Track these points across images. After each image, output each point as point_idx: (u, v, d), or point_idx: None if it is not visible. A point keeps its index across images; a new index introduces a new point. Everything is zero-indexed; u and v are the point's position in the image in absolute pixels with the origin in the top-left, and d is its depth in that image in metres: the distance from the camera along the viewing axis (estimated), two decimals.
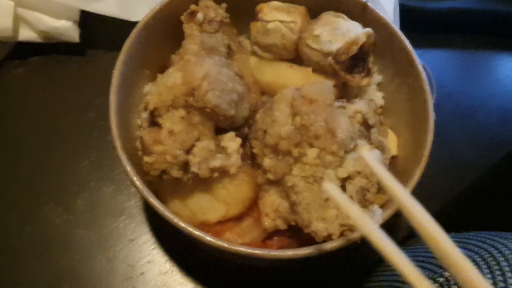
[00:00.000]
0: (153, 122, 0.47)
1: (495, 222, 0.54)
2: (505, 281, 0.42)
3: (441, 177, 0.64)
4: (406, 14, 0.66)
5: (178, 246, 0.57)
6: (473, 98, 0.69)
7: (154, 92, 0.46)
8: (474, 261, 0.47)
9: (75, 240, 0.57)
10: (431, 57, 0.72)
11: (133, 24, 0.60)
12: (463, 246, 0.51)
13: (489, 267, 0.45)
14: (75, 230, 0.57)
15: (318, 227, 0.43)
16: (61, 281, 0.55)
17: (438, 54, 0.73)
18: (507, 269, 0.44)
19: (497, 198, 0.63)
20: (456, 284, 0.46)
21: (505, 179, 0.65)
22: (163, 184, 0.48)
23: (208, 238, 0.41)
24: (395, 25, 0.61)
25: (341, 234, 0.43)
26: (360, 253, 0.56)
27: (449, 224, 0.59)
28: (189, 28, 0.50)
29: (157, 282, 0.55)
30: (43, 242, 0.56)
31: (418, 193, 0.59)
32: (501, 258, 0.45)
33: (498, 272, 0.44)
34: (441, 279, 0.48)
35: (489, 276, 0.44)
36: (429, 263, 0.52)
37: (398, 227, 0.60)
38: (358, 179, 0.44)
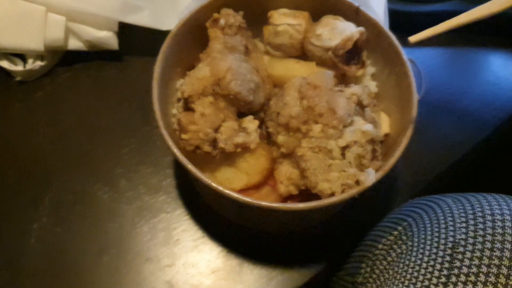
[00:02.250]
0: (187, 108, 0.57)
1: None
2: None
3: (431, 155, 0.72)
4: (394, 17, 0.75)
5: (207, 217, 0.65)
6: (458, 87, 0.78)
7: (188, 83, 0.56)
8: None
9: (120, 214, 0.65)
10: (420, 54, 0.81)
11: (164, 32, 0.71)
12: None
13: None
14: (120, 205, 0.66)
15: (324, 186, 0.52)
16: (109, 248, 0.63)
17: (426, 51, 0.82)
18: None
19: (480, 172, 0.72)
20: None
21: (487, 157, 0.74)
22: (195, 161, 0.57)
23: (235, 195, 0.51)
24: (385, 25, 0.72)
25: (342, 191, 0.52)
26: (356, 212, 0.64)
27: (441, 191, 0.68)
28: (213, 32, 0.60)
29: (190, 247, 0.64)
30: (94, 215, 0.65)
31: (412, 168, 0.69)
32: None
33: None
34: (400, 228, 0.58)
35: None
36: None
37: None
38: (355, 147, 0.53)
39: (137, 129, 0.71)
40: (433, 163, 0.72)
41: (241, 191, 0.58)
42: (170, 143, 0.53)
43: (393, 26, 0.74)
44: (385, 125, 0.62)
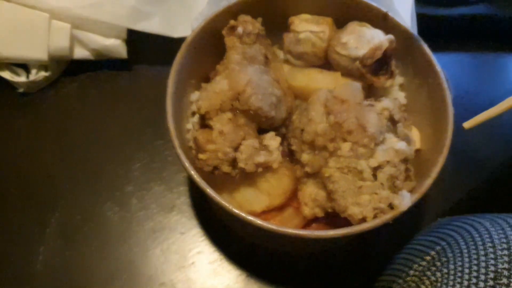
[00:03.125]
0: (204, 124, 0.53)
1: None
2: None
3: (460, 170, 0.68)
4: (420, 21, 0.71)
5: (224, 238, 0.61)
6: (487, 97, 0.73)
7: (204, 98, 0.52)
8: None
9: (132, 235, 0.61)
10: (446, 60, 0.76)
11: (175, 40, 0.67)
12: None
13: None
14: (131, 226, 0.62)
15: (354, 210, 0.48)
16: (121, 273, 0.59)
17: (452, 58, 0.78)
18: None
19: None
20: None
21: None
22: (212, 180, 0.53)
23: (259, 221, 0.47)
24: (414, 31, 0.68)
25: (374, 216, 0.48)
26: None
27: (472, 209, 0.64)
28: (230, 41, 0.56)
29: (207, 270, 0.60)
30: (103, 237, 0.61)
31: (440, 184, 0.65)
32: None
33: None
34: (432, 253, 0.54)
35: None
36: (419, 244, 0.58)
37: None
38: (388, 168, 0.49)
39: (149, 143, 0.67)
40: (462, 179, 0.68)
41: (262, 213, 0.54)
42: (187, 164, 0.49)
43: (419, 30, 0.70)
44: (416, 139, 0.58)
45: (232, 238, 0.61)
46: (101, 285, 0.59)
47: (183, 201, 0.64)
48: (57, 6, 0.64)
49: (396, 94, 0.60)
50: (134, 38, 0.70)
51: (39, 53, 0.65)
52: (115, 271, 0.60)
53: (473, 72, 0.78)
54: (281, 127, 0.56)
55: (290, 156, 0.56)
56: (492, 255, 0.47)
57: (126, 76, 0.72)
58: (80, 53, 0.69)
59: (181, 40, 0.56)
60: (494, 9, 0.75)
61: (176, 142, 0.49)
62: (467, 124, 0.45)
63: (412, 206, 0.48)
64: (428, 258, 0.55)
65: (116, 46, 0.68)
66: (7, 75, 0.67)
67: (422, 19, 0.71)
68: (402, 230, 0.63)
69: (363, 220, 0.48)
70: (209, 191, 0.48)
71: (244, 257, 0.61)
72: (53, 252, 0.60)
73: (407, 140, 0.52)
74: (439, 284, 0.51)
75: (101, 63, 0.72)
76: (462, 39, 0.77)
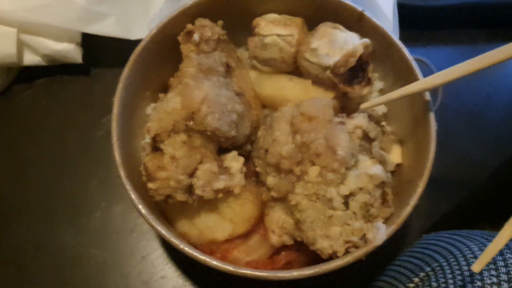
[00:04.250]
0: (156, 147, 0.48)
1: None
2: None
3: (450, 177, 0.63)
4: (408, 12, 0.65)
5: (190, 260, 0.58)
6: (479, 94, 0.68)
7: (154, 118, 0.47)
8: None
9: (89, 260, 0.58)
10: (435, 53, 0.71)
11: (133, 41, 0.62)
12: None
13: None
14: (88, 250, 0.58)
15: (323, 244, 0.44)
16: None
17: (441, 50, 0.71)
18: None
19: (507, 197, 0.62)
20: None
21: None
22: (170, 206, 0.48)
23: (214, 262, 0.42)
24: (394, 31, 0.61)
25: (346, 251, 0.43)
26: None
27: (460, 222, 0.59)
28: (186, 49, 0.50)
29: None
30: (58, 263, 0.58)
31: (429, 192, 0.60)
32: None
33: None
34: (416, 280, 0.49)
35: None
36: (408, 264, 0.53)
37: None
38: (361, 195, 0.44)
39: (107, 157, 0.62)
40: (451, 187, 0.62)
41: (226, 241, 0.50)
42: (133, 196, 0.44)
43: (404, 23, 0.64)
44: (397, 154, 0.53)
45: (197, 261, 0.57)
46: None
47: (144, 221, 0.59)
48: (0, 9, 0.58)
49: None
50: (89, 41, 0.65)
51: None
52: None
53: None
54: (245, 144, 0.51)
55: (256, 176, 0.51)
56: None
57: (83, 82, 0.68)
58: (31, 58, 0.65)
59: (139, 41, 0.51)
60: None
61: (122, 172, 0.45)
62: (477, 268, 0.40)
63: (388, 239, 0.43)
64: (411, 285, 0.50)
65: (70, 50, 0.64)
66: None
67: (408, 11, 0.66)
68: (386, 247, 0.58)
69: (334, 254, 0.44)
70: (159, 228, 0.43)
71: (212, 282, 0.58)
72: (3, 281, 0.57)
73: (383, 161, 0.46)
74: None
75: (56, 69, 0.67)
76: (450, 29, 0.71)
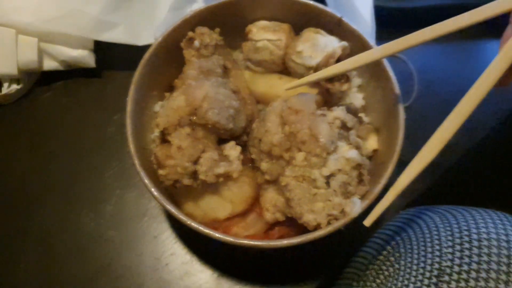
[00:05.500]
0: (164, 139, 0.55)
1: (475, 198, 0.61)
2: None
3: None
4: (385, 14, 0.71)
5: (196, 239, 0.64)
6: (454, 85, 0.74)
7: (162, 114, 0.54)
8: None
9: (107, 240, 0.64)
10: (412, 51, 0.77)
11: (140, 47, 0.68)
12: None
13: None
14: (106, 231, 0.65)
15: (309, 218, 0.50)
16: (99, 276, 0.62)
17: (418, 48, 0.78)
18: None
19: (475, 179, 0.69)
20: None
21: (483, 161, 0.72)
22: (178, 190, 0.56)
23: (217, 234, 0.50)
24: (372, 33, 0.69)
25: (328, 223, 0.51)
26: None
27: (434, 199, 0.66)
28: (188, 54, 0.57)
29: (180, 271, 0.63)
30: (81, 243, 0.64)
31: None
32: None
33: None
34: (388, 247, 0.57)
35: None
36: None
37: None
38: (340, 175, 0.51)
39: (120, 151, 0.69)
40: (426, 168, 0.69)
41: (227, 219, 0.57)
42: (147, 181, 0.51)
43: (382, 23, 0.71)
44: (374, 140, 0.60)
45: (203, 239, 0.63)
46: None
47: (155, 205, 0.66)
48: (22, 22, 0.65)
49: (354, 95, 0.62)
50: (101, 47, 0.71)
51: (9, 68, 0.67)
52: (94, 274, 0.63)
53: (439, 60, 0.79)
54: (242, 135, 0.58)
55: (252, 163, 0.58)
56: (437, 253, 0.50)
57: (96, 84, 0.74)
58: (50, 64, 0.71)
59: (147, 47, 0.57)
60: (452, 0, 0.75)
61: (136, 161, 0.52)
62: (367, 223, 0.47)
63: (363, 211, 0.50)
64: (385, 252, 0.58)
65: (84, 56, 0.70)
66: None
67: (385, 13, 0.72)
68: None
69: (318, 226, 0.50)
70: (168, 207, 0.50)
71: (216, 257, 0.64)
72: (33, 260, 0.63)
73: (359, 147, 0.54)
74: (391, 279, 0.54)
75: (72, 73, 0.73)
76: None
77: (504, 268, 0.46)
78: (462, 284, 0.46)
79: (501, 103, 0.74)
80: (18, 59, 0.67)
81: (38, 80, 0.74)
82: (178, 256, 0.64)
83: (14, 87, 0.70)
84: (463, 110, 0.44)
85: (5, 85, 0.69)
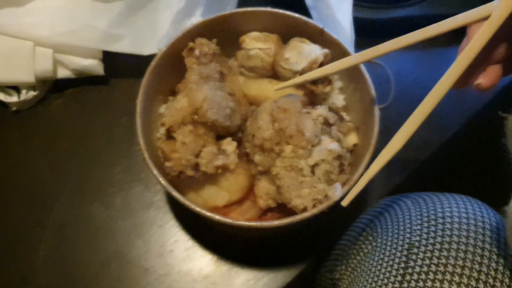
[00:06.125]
0: (169, 136, 0.62)
1: (445, 187, 0.69)
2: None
3: (401, 156, 0.78)
4: (363, 24, 0.78)
5: (197, 228, 0.71)
6: (426, 88, 0.80)
7: (168, 114, 0.61)
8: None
9: (117, 230, 0.71)
10: (390, 56, 0.85)
11: (145, 56, 0.74)
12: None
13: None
14: (116, 222, 0.71)
15: (297, 202, 0.56)
16: (110, 261, 0.69)
17: (395, 53, 0.86)
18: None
19: (446, 171, 0.77)
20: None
21: (453, 155, 0.79)
22: (181, 181, 0.61)
23: (217, 217, 0.56)
24: (351, 41, 0.76)
25: (313, 206, 0.56)
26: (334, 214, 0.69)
27: (410, 190, 0.73)
28: (189, 62, 0.63)
29: (183, 256, 0.70)
30: (93, 233, 0.71)
31: (384, 169, 0.75)
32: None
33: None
34: (368, 229, 0.63)
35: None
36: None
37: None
38: (323, 165, 0.57)
39: (127, 149, 0.76)
40: (402, 163, 0.77)
41: (224, 207, 0.63)
42: (155, 172, 0.58)
43: (361, 32, 0.79)
44: (354, 135, 0.67)
45: (203, 228, 0.71)
46: (94, 273, 0.69)
47: (160, 198, 0.73)
48: (40, 35, 0.72)
49: (336, 96, 0.69)
50: (109, 57, 0.78)
51: (27, 76, 0.74)
52: (105, 260, 0.70)
53: (414, 66, 0.87)
54: (237, 132, 0.65)
55: (246, 157, 0.65)
56: (408, 230, 0.58)
57: (105, 91, 0.81)
58: (63, 73, 0.77)
59: (150, 56, 0.65)
60: (427, 10, 0.82)
61: (146, 154, 0.59)
62: (345, 203, 0.55)
63: (343, 195, 0.57)
64: (364, 233, 0.65)
65: (94, 65, 0.77)
66: (1, 96, 0.76)
67: (362, 23, 0.80)
68: (352, 211, 0.73)
69: (305, 209, 0.56)
70: (175, 193, 0.57)
71: (215, 243, 0.71)
72: (51, 248, 0.70)
73: (339, 140, 0.61)
74: (369, 255, 0.61)
75: (82, 80, 0.80)
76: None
77: (463, 240, 0.53)
78: (428, 254, 0.53)
79: (469, 102, 0.82)
80: (35, 69, 0.74)
81: (51, 88, 0.81)
82: (181, 243, 0.71)
83: (31, 93, 0.77)
84: (425, 108, 0.50)
85: (23, 91, 0.76)
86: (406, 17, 0.83)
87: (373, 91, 0.63)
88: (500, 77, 0.48)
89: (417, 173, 0.77)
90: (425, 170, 0.78)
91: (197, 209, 0.57)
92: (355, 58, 0.58)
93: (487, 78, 0.47)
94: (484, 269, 0.50)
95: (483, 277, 0.50)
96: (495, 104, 0.84)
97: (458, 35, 0.52)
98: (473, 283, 0.49)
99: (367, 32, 0.79)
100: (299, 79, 0.62)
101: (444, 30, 0.50)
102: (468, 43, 0.45)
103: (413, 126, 0.51)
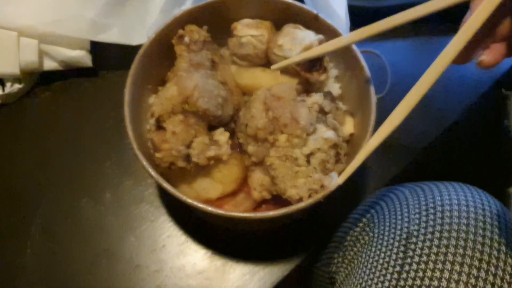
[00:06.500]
0: (159, 126, 0.60)
1: (443, 176, 0.67)
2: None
3: (398, 146, 0.76)
4: (358, 12, 0.77)
5: (190, 222, 0.69)
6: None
7: (157, 103, 0.59)
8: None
9: (107, 225, 0.69)
10: (387, 46, 0.84)
11: (134, 47, 0.73)
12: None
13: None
14: (106, 217, 0.69)
15: (292, 193, 0.55)
16: (100, 259, 0.67)
17: (392, 43, 0.85)
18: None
19: (444, 160, 0.76)
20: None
21: (450, 145, 0.78)
22: (172, 174, 0.59)
23: (210, 208, 0.54)
24: (346, 28, 0.75)
25: (309, 196, 0.55)
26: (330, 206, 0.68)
27: (408, 181, 0.72)
28: (179, 49, 0.62)
29: (176, 251, 0.68)
30: (82, 229, 0.69)
31: (380, 160, 0.73)
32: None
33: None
34: (364, 220, 0.62)
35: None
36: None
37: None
38: (319, 154, 0.56)
39: (117, 143, 0.74)
40: (399, 154, 0.75)
41: (218, 199, 0.62)
42: (145, 163, 0.56)
43: (356, 22, 0.77)
44: (350, 125, 0.66)
45: (196, 222, 0.69)
46: (84, 270, 0.67)
47: (151, 192, 0.71)
48: (24, 25, 0.70)
49: (331, 85, 0.67)
50: (97, 47, 0.77)
51: (11, 68, 0.72)
52: (95, 258, 0.68)
53: (410, 55, 0.85)
54: (230, 123, 0.63)
55: (239, 147, 0.63)
56: (406, 219, 0.56)
57: (93, 83, 0.79)
58: (49, 64, 0.75)
59: (140, 46, 0.62)
60: None
61: (134, 145, 0.57)
62: (340, 181, 0.53)
63: (341, 185, 0.56)
64: (361, 224, 0.63)
65: (81, 56, 0.75)
66: None
67: (358, 10, 0.79)
68: (347, 203, 0.72)
69: (300, 200, 0.55)
70: (166, 185, 0.55)
71: (209, 237, 0.69)
72: (39, 245, 0.68)
73: (336, 129, 0.60)
74: (366, 246, 0.59)
75: (70, 72, 0.78)
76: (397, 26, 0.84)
77: (463, 228, 0.52)
78: (428, 243, 0.52)
79: (465, 92, 0.81)
80: (20, 60, 0.72)
81: (38, 80, 0.79)
82: (174, 238, 0.69)
83: (16, 86, 0.74)
84: (425, 81, 0.49)
85: (8, 84, 0.74)
86: (402, 4, 0.81)
87: (370, 78, 0.61)
88: (504, 57, 0.46)
89: (415, 163, 0.76)
90: (423, 160, 0.77)
91: (189, 200, 0.55)
92: (352, 35, 0.57)
93: (491, 55, 0.46)
94: (485, 257, 0.49)
95: (484, 265, 0.49)
96: (492, 93, 0.82)
97: (456, 21, 0.50)
98: (474, 271, 0.48)
99: (363, 21, 0.77)
100: (297, 58, 0.60)
101: (443, 6, 0.48)
102: (471, 16, 0.44)
103: (415, 98, 0.50)
